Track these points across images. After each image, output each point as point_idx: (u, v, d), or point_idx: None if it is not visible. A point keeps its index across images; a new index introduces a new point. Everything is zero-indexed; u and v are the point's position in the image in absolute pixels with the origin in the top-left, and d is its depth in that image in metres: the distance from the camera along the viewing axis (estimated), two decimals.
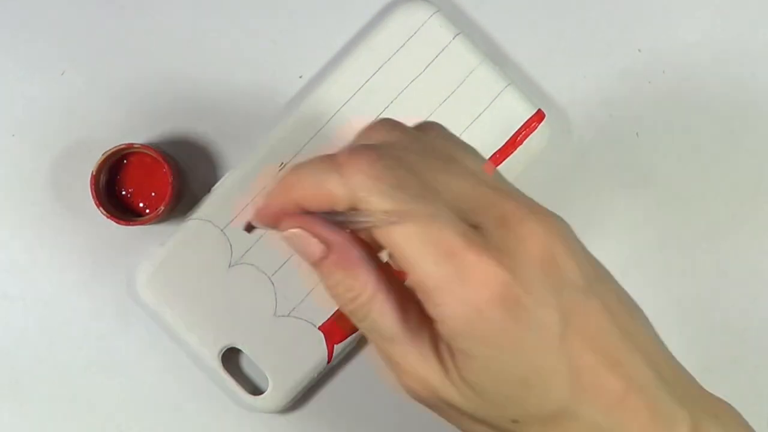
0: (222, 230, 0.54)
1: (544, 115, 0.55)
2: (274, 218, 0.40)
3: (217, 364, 0.54)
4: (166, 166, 0.53)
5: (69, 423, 0.56)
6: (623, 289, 0.43)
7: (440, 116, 0.54)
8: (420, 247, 0.38)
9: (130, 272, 0.56)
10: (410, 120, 0.42)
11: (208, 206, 0.55)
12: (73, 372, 0.56)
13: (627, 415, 0.40)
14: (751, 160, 0.56)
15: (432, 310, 0.39)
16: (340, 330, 0.54)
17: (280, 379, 0.54)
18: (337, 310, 0.54)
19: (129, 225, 0.53)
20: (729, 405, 0.44)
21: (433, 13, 0.54)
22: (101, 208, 0.53)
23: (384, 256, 0.40)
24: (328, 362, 0.54)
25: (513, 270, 0.38)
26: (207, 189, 0.55)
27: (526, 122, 0.54)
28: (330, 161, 0.39)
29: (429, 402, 0.41)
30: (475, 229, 0.39)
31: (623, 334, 0.41)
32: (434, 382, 0.40)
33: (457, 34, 0.54)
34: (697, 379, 0.45)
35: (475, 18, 0.56)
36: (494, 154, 0.54)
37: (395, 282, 0.40)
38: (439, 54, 0.54)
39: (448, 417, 0.42)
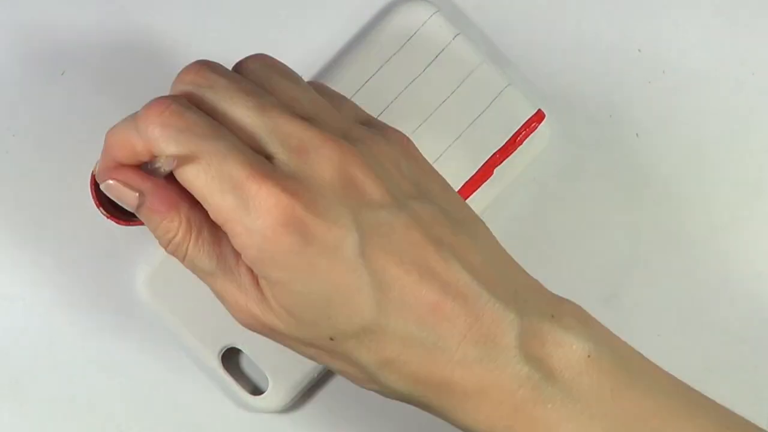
0: None
1: (544, 115, 0.55)
2: (102, 177, 0.44)
3: (217, 364, 0.54)
4: None
5: (69, 423, 0.56)
6: (461, 206, 0.44)
7: (440, 116, 0.54)
8: (207, 182, 0.41)
9: (130, 272, 0.55)
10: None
11: None
12: (73, 372, 0.56)
13: (443, 323, 0.41)
14: (751, 160, 0.56)
15: (232, 242, 0.41)
16: None
17: (280, 379, 0.54)
18: None
19: (129, 225, 0.53)
20: (573, 305, 0.43)
21: (433, 13, 0.54)
22: (101, 208, 0.53)
23: None
24: None
25: (301, 195, 0.40)
26: None
27: (526, 122, 0.54)
28: (130, 117, 0.43)
29: (259, 330, 0.44)
30: (269, 159, 0.41)
31: (438, 245, 0.42)
32: (255, 311, 0.42)
33: (457, 34, 0.54)
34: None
35: (475, 18, 0.56)
36: (494, 154, 0.54)
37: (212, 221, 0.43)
38: (439, 54, 0.54)
39: (282, 342, 0.44)
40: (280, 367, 0.54)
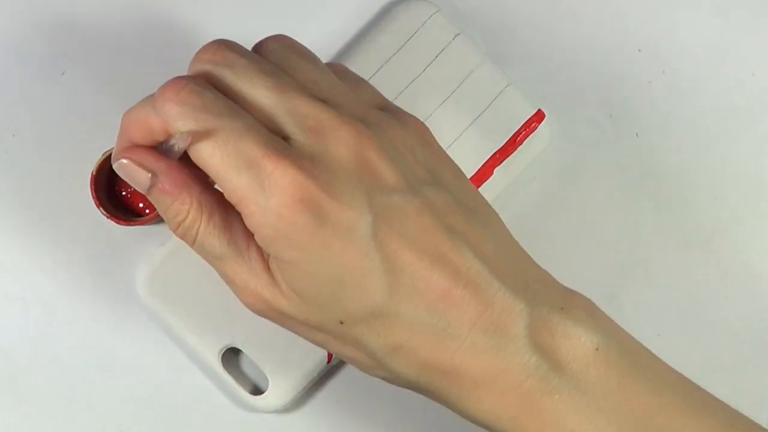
0: None
1: (544, 115, 0.55)
2: (116, 158, 0.43)
3: (217, 364, 0.54)
4: None
5: (69, 423, 0.56)
6: (475, 195, 0.44)
7: (440, 116, 0.54)
8: (223, 160, 0.40)
9: (130, 272, 0.56)
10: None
11: None
12: (73, 372, 0.56)
13: (453, 310, 0.41)
14: (751, 160, 0.56)
15: (246, 222, 0.41)
16: None
17: (280, 379, 0.54)
18: None
19: (129, 225, 0.53)
20: (583, 298, 0.43)
21: (433, 13, 0.54)
22: (101, 208, 0.53)
23: None
24: (328, 362, 0.54)
25: (317, 175, 0.40)
26: None
27: (526, 122, 0.54)
28: (148, 98, 0.42)
29: (268, 315, 0.43)
30: (286, 140, 0.41)
31: (450, 232, 0.42)
32: (265, 294, 0.42)
33: (457, 34, 0.54)
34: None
35: (475, 18, 0.56)
36: (494, 154, 0.54)
37: (224, 203, 0.43)
38: (439, 54, 0.54)
39: (290, 327, 0.44)
40: (280, 367, 0.54)
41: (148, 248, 0.56)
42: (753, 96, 0.56)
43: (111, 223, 0.53)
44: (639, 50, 0.56)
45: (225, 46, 0.43)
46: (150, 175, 0.42)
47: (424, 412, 0.56)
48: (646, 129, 0.56)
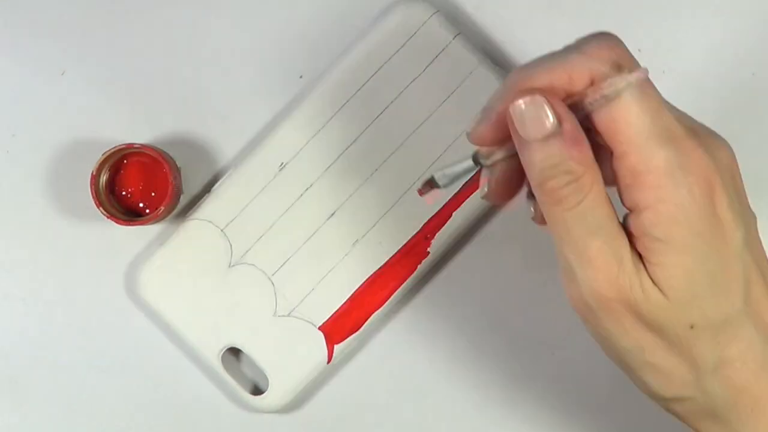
0: (222, 230, 0.54)
1: None
2: (519, 95, 0.40)
3: (217, 364, 0.54)
4: (166, 166, 0.53)
5: (68, 423, 0.56)
6: None
7: (440, 116, 0.54)
8: (650, 127, 0.39)
9: (130, 272, 0.56)
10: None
11: (208, 206, 0.55)
12: (72, 372, 0.56)
13: None
14: (751, 160, 0.56)
15: (640, 195, 0.39)
16: (340, 330, 0.54)
17: (280, 379, 0.54)
18: (339, 309, 0.54)
19: (129, 225, 0.53)
20: None
21: (433, 14, 0.54)
22: (101, 208, 0.53)
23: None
24: (328, 362, 0.54)
25: (717, 172, 0.40)
26: (207, 189, 0.55)
27: None
28: (570, 47, 0.40)
29: (608, 305, 0.41)
30: None
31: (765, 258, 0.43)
32: (623, 281, 0.40)
33: (457, 34, 0.54)
34: None
35: (475, 18, 0.56)
36: None
37: None
38: (439, 54, 0.54)
39: (616, 327, 0.41)
40: (280, 367, 0.54)
41: (148, 248, 0.56)
42: (753, 96, 0.56)
43: (111, 223, 0.53)
44: (639, 50, 0.56)
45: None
46: (555, 120, 0.39)
47: (424, 411, 0.56)
48: None
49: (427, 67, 0.54)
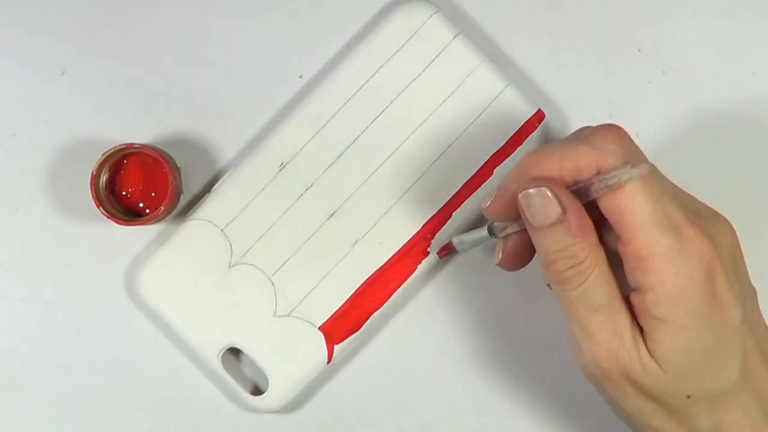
0: (222, 230, 0.54)
1: (544, 115, 0.55)
2: (525, 185, 0.43)
3: (217, 364, 0.54)
4: (166, 166, 0.53)
5: (69, 423, 0.56)
6: None
7: (440, 116, 0.54)
8: (651, 214, 0.42)
9: (130, 272, 0.56)
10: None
11: (208, 206, 0.55)
12: (73, 372, 0.56)
13: None
14: (751, 160, 0.56)
15: (643, 277, 0.42)
16: (340, 330, 0.54)
17: (280, 379, 0.54)
18: (339, 309, 0.54)
19: (129, 225, 0.53)
20: None
21: (433, 13, 0.54)
22: (101, 208, 0.53)
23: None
24: (328, 362, 0.54)
25: (717, 254, 0.43)
26: (207, 189, 0.55)
27: (526, 122, 0.54)
28: (575, 136, 0.45)
29: (609, 376, 0.44)
30: None
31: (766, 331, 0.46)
32: (623, 355, 0.43)
33: (457, 34, 0.54)
34: None
35: (475, 18, 0.56)
36: (494, 154, 0.54)
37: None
38: (439, 54, 0.54)
39: (618, 394, 0.45)
40: (280, 367, 0.54)
41: (148, 248, 0.56)
42: (753, 96, 0.56)
43: (111, 223, 0.53)
44: (639, 50, 0.56)
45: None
46: (560, 210, 0.43)
47: (425, 411, 0.56)
48: (646, 129, 0.56)
49: (427, 67, 0.54)
